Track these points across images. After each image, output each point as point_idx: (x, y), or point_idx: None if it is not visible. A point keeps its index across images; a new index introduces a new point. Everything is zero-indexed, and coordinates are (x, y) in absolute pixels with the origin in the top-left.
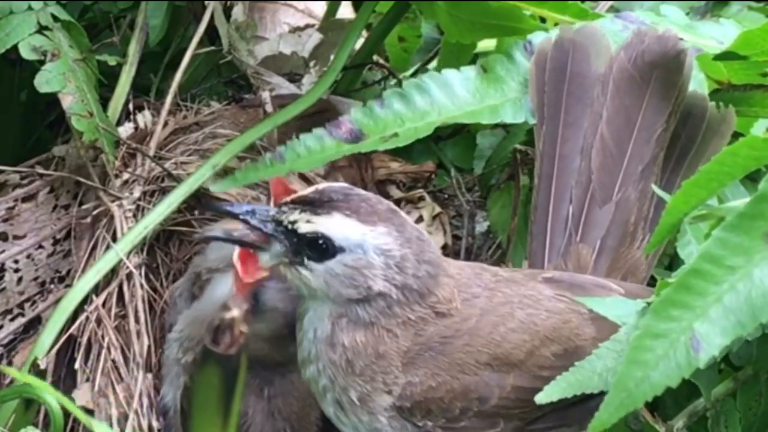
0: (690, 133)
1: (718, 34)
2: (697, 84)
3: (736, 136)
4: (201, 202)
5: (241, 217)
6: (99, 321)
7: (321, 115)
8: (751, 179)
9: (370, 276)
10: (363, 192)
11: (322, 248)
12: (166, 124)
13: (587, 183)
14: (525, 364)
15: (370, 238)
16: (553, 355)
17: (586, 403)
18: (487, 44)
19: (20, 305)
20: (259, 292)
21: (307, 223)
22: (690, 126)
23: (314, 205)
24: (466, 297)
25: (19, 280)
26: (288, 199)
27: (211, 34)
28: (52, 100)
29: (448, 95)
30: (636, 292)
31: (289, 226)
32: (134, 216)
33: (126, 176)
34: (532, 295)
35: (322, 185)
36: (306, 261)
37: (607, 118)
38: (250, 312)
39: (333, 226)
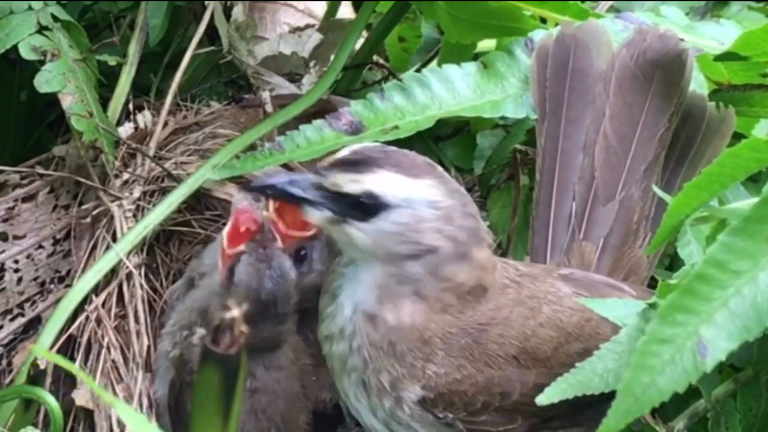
0: (690, 133)
1: (719, 34)
2: (697, 85)
3: (737, 136)
4: (245, 185)
5: (280, 187)
6: (99, 321)
7: (321, 115)
8: (752, 180)
9: (421, 230)
10: (400, 149)
11: (368, 207)
12: (166, 124)
13: (590, 180)
14: (549, 360)
15: (417, 192)
16: (576, 353)
17: (601, 405)
18: (487, 44)
19: (20, 305)
20: (234, 266)
21: (352, 183)
22: (690, 126)
23: (356, 164)
24: (498, 286)
25: (19, 280)
26: (326, 162)
27: (211, 34)
28: (52, 100)
29: (449, 90)
30: (643, 296)
31: (332, 188)
32: (134, 216)
33: (126, 176)
34: (554, 292)
35: (358, 146)
36: (353, 221)
37: (610, 115)
38: (225, 286)
39: (380, 182)
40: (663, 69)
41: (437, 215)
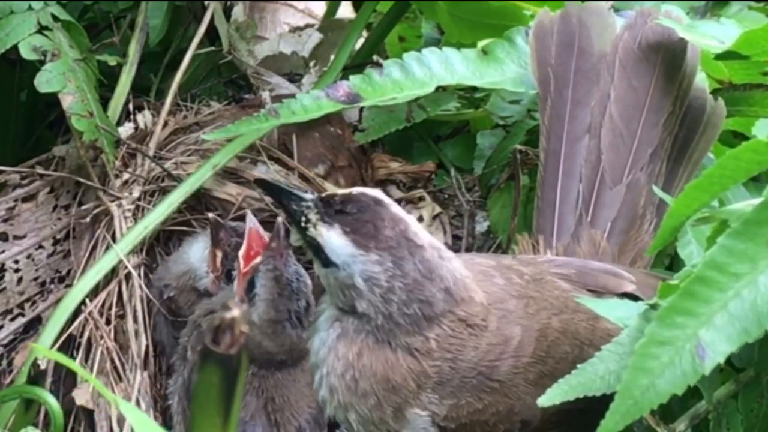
0: (691, 125)
1: (719, 33)
2: (698, 80)
3: (737, 135)
4: (263, 185)
5: (287, 204)
6: (98, 321)
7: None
8: (753, 179)
9: (355, 296)
10: (383, 209)
11: (321, 255)
12: (166, 124)
13: (596, 162)
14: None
15: (358, 262)
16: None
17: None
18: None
19: (20, 305)
20: (254, 278)
21: (313, 228)
22: (691, 117)
23: (331, 207)
24: (503, 314)
25: (19, 280)
26: (325, 194)
27: (211, 34)
28: (52, 100)
29: (448, 70)
30: (643, 279)
31: (303, 224)
32: (133, 216)
33: (126, 176)
34: (558, 296)
35: (358, 189)
36: (315, 258)
37: (615, 98)
38: (243, 298)
39: (328, 239)
40: (666, 51)
41: (372, 290)
